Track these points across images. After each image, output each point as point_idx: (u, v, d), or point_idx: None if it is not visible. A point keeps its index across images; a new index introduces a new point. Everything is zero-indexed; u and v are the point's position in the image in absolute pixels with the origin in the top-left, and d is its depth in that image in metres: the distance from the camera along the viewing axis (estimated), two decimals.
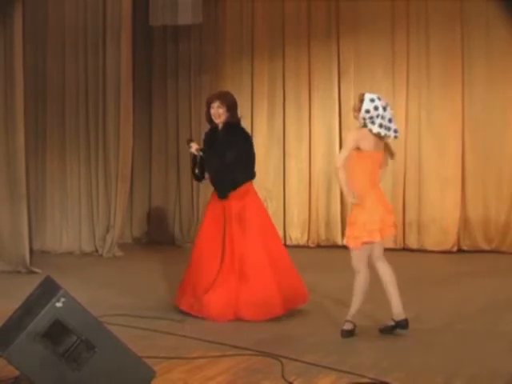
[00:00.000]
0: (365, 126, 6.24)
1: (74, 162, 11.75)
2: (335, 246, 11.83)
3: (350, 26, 11.88)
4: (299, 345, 5.97)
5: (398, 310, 6.36)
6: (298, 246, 12.08)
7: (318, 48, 12.15)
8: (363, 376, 4.99)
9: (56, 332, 4.26)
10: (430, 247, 11.49)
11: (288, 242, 12.22)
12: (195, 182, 12.99)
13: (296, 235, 12.32)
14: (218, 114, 7.04)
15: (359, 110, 6.28)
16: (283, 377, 5.00)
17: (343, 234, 11.83)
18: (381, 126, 6.17)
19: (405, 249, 11.58)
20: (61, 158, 11.80)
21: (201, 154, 7.08)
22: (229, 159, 6.94)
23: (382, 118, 6.20)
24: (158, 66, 13.23)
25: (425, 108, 11.61)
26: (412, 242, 11.64)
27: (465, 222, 11.47)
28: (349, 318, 6.36)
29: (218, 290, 6.88)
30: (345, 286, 7.93)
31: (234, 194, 7.04)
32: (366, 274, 6.40)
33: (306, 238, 12.23)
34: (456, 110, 11.43)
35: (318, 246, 11.99)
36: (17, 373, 4.54)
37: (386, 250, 11.01)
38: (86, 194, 11.70)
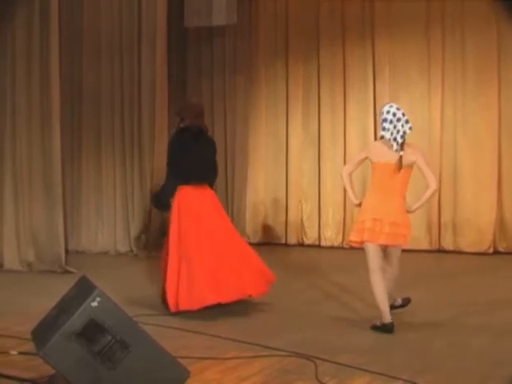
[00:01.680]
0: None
1: (110, 163, 11.82)
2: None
3: (384, 27, 11.83)
4: (332, 345, 5.95)
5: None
6: (332, 247, 12.07)
7: (352, 49, 12.11)
8: (396, 378, 4.97)
9: (91, 331, 4.29)
10: (465, 248, 11.41)
11: (322, 243, 12.21)
12: (230, 184, 13.06)
13: (331, 236, 12.29)
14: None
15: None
16: (317, 378, 4.99)
17: None
18: (385, 129, 6.58)
19: (440, 250, 11.52)
20: (96, 160, 11.88)
21: None
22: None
23: (390, 122, 6.57)
24: (193, 68, 13.27)
25: (460, 109, 11.53)
26: (447, 243, 11.56)
27: (501, 223, 11.38)
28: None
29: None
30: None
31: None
32: (377, 275, 6.67)
33: (340, 238, 12.19)
34: (492, 112, 11.34)
35: (353, 248, 11.92)
36: (52, 371, 4.58)
37: (422, 250, 11.05)
38: (121, 195, 11.77)
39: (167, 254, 7.39)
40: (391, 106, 6.66)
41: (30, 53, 10.08)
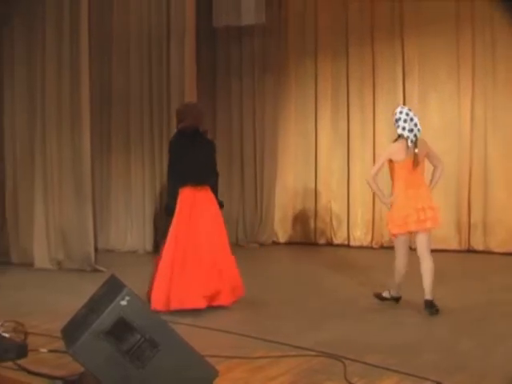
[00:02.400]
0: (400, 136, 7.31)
1: (139, 162, 11.87)
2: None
3: (414, 26, 11.75)
4: (360, 345, 5.94)
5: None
6: (361, 247, 12.04)
7: (381, 48, 12.06)
8: (425, 378, 4.95)
9: (120, 330, 4.31)
10: (495, 248, 11.31)
11: (352, 243, 12.19)
12: (259, 183, 13.07)
13: (360, 236, 12.26)
14: None
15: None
16: (345, 378, 4.98)
17: None
18: (404, 129, 7.26)
19: (469, 250, 11.44)
20: (125, 159, 11.94)
21: None
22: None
23: (405, 121, 7.26)
24: (222, 67, 13.29)
25: (490, 108, 11.44)
26: (477, 243, 11.47)
27: None
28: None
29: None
30: (408, 287, 7.90)
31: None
32: (400, 260, 7.52)
33: (369, 238, 12.15)
34: None
35: (382, 247, 11.89)
36: (82, 369, 4.61)
37: (451, 250, 11.00)
38: (150, 194, 11.80)
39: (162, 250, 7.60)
40: (403, 108, 7.41)
41: (60, 54, 10.17)
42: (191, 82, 11.56)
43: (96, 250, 10.47)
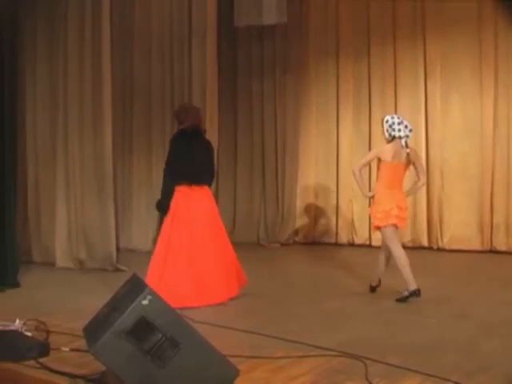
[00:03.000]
0: (392, 139, 7.92)
1: (160, 161, 11.81)
2: (421, 248, 11.71)
3: (436, 25, 11.70)
4: (382, 346, 5.92)
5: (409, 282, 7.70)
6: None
7: (403, 48, 12.02)
8: (447, 379, 4.92)
9: (142, 329, 4.32)
10: None
11: (373, 243, 12.14)
12: (280, 182, 13.07)
13: (381, 236, 12.20)
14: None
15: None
16: (367, 378, 4.97)
17: (429, 236, 11.76)
18: (399, 130, 7.91)
19: (492, 251, 11.37)
20: (147, 158, 11.98)
21: None
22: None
23: (399, 124, 7.92)
24: (243, 67, 13.32)
25: None
26: (500, 244, 11.40)
27: None
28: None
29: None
30: (430, 287, 7.88)
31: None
32: (399, 249, 8.05)
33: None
34: None
35: (403, 247, 11.81)
36: (103, 368, 4.62)
37: (473, 251, 10.94)
38: None
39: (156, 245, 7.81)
40: (393, 116, 8.04)
41: (81, 53, 10.23)
42: (212, 82, 11.58)
43: (118, 249, 10.51)
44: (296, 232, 12.93)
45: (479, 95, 11.50)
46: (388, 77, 12.18)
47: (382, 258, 8.30)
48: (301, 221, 12.96)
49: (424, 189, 11.60)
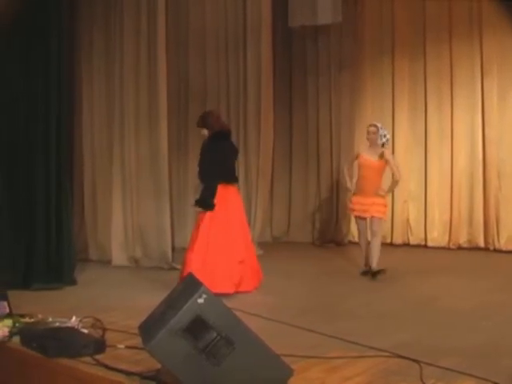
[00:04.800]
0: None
1: None
2: (477, 248, 11.59)
3: (492, 24, 11.54)
4: (437, 348, 5.86)
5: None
6: (438, 248, 11.89)
7: (459, 46, 11.90)
8: None
9: (197, 327, 4.34)
10: None
11: (429, 244, 12.06)
12: (335, 181, 13.03)
13: (437, 237, 12.11)
14: (203, 134, 8.38)
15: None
16: (421, 380, 4.93)
17: (486, 236, 11.62)
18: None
19: None
20: None
21: None
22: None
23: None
24: (298, 65, 13.30)
25: None
26: None
27: None
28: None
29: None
30: (486, 289, 7.79)
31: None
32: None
33: (446, 239, 11.99)
34: None
35: (459, 248, 11.75)
36: (158, 365, 4.66)
37: None
38: None
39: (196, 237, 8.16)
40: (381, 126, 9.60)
41: (137, 53, 10.32)
42: (267, 81, 11.61)
43: (173, 248, 10.56)
44: (351, 232, 12.87)
45: None
46: (444, 75, 12.07)
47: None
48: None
49: (480, 189, 11.53)
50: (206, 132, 8.34)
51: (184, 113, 12.06)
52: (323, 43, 13.04)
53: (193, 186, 12.06)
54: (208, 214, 8.09)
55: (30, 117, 8.67)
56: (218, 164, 8.14)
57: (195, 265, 7.80)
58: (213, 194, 8.08)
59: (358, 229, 9.99)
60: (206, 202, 8.14)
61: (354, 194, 9.75)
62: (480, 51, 11.75)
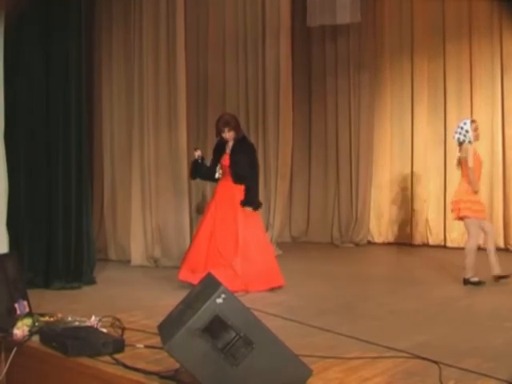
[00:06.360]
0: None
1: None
2: (497, 249, 11.50)
3: None
4: (457, 349, 5.83)
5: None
6: (458, 248, 11.83)
7: (479, 45, 11.87)
8: None
9: (216, 327, 4.34)
10: None
11: (448, 244, 12.02)
12: (354, 182, 13.00)
13: (456, 237, 12.07)
14: (230, 136, 8.54)
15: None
16: (441, 381, 4.90)
17: (505, 237, 11.57)
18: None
19: None
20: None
21: (200, 160, 8.81)
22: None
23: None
24: (317, 65, 13.31)
25: None
26: None
27: None
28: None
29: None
30: (506, 290, 7.73)
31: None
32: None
33: (466, 240, 11.92)
34: None
35: (478, 249, 11.61)
36: (177, 365, 4.66)
37: None
38: None
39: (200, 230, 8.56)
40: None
41: (156, 53, 10.34)
42: (286, 81, 11.61)
43: None
44: (370, 232, 12.86)
45: None
46: (463, 75, 12.03)
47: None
48: (375, 220, 12.88)
49: (500, 188, 11.47)
50: (232, 134, 8.48)
51: (203, 113, 12.07)
52: (342, 43, 13.04)
53: (212, 186, 12.08)
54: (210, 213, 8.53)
55: (50, 117, 8.70)
56: (257, 166, 8.73)
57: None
58: (258, 194, 8.63)
59: (487, 231, 9.16)
60: (255, 203, 8.51)
61: (476, 192, 9.13)
62: (500, 50, 11.72)
